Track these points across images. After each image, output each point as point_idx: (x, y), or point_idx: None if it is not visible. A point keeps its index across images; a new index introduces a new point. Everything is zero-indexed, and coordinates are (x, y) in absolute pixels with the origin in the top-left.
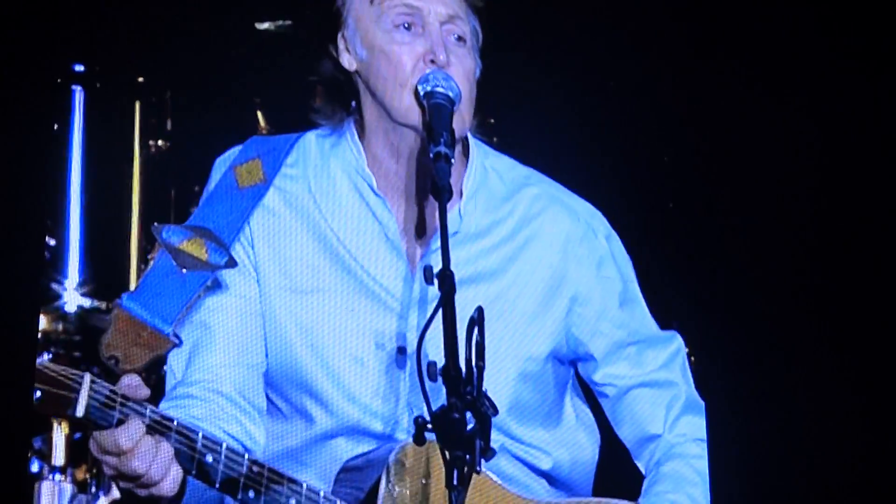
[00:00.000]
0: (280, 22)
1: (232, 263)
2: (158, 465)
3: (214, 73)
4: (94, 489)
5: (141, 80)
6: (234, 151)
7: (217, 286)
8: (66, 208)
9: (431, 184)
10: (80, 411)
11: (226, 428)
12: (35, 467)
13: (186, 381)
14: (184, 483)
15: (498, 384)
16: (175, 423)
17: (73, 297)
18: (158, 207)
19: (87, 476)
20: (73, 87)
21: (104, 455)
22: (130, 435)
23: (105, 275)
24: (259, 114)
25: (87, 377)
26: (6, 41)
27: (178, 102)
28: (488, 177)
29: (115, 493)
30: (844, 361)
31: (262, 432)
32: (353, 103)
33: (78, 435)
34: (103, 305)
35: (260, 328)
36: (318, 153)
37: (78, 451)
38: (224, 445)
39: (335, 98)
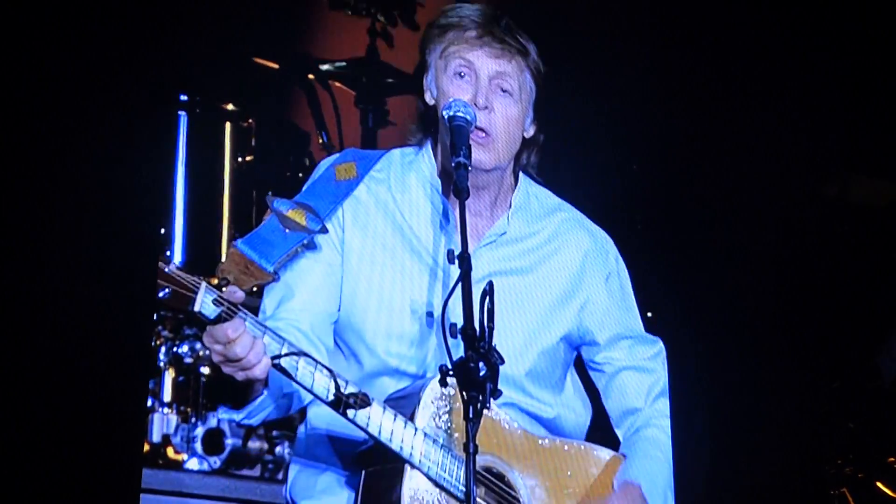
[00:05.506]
0: (338, 63)
1: (324, 230)
2: (255, 352)
3: (286, 103)
4: (193, 420)
5: (230, 107)
6: (335, 156)
7: (311, 246)
8: (173, 205)
9: (454, 185)
10: (196, 307)
11: None
12: (149, 403)
13: (275, 317)
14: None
15: (522, 354)
16: (266, 329)
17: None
18: (243, 206)
19: (189, 410)
20: (179, 112)
21: (214, 344)
22: (236, 327)
23: (201, 256)
24: (316, 136)
25: (204, 283)
26: (131, 81)
27: (259, 125)
28: (530, 199)
29: (211, 424)
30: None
31: (325, 361)
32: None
33: (181, 378)
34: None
35: (335, 287)
36: (400, 164)
37: (181, 392)
38: (301, 354)
39: (420, 124)
